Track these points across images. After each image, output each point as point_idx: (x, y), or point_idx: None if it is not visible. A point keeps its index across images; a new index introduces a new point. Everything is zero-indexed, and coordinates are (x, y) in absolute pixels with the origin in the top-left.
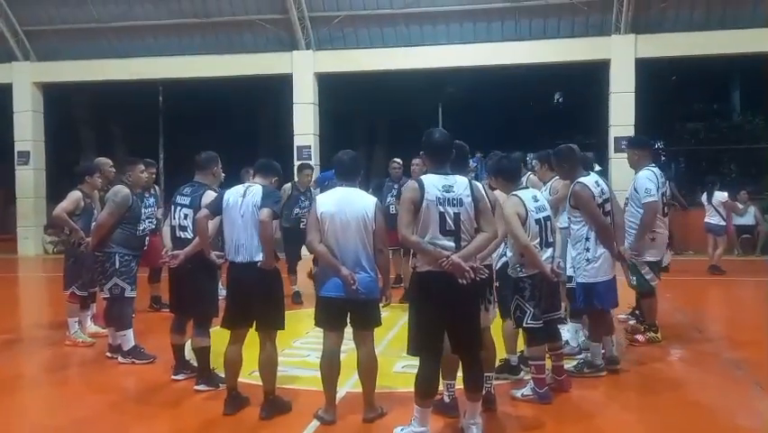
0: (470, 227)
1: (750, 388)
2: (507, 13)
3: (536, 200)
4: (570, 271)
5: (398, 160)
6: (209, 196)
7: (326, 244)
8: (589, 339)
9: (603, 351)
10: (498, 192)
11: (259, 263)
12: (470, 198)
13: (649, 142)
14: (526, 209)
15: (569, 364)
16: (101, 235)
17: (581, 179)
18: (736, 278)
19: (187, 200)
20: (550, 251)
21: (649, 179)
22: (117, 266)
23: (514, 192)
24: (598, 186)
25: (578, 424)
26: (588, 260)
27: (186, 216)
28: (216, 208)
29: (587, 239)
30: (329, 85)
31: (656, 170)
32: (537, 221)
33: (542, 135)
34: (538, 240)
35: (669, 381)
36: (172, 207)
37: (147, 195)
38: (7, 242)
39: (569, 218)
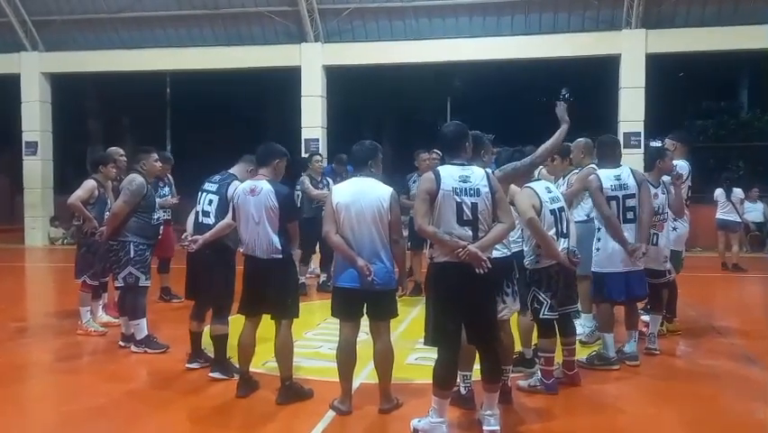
0: (488, 217)
1: (766, 382)
2: (517, 6)
3: (549, 191)
4: None
5: (426, 153)
6: (235, 186)
7: (342, 234)
8: (598, 330)
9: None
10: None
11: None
12: (487, 189)
13: (690, 138)
14: (540, 200)
15: (580, 357)
16: (115, 224)
17: (600, 171)
18: (745, 274)
19: (214, 187)
20: (565, 241)
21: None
22: (132, 255)
23: (527, 184)
24: (619, 180)
25: (594, 416)
26: (597, 249)
27: (210, 202)
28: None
29: (598, 229)
30: (337, 78)
31: (685, 163)
32: (552, 211)
33: (550, 130)
34: (554, 230)
35: (683, 374)
36: (199, 193)
37: (161, 184)
38: (15, 232)
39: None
